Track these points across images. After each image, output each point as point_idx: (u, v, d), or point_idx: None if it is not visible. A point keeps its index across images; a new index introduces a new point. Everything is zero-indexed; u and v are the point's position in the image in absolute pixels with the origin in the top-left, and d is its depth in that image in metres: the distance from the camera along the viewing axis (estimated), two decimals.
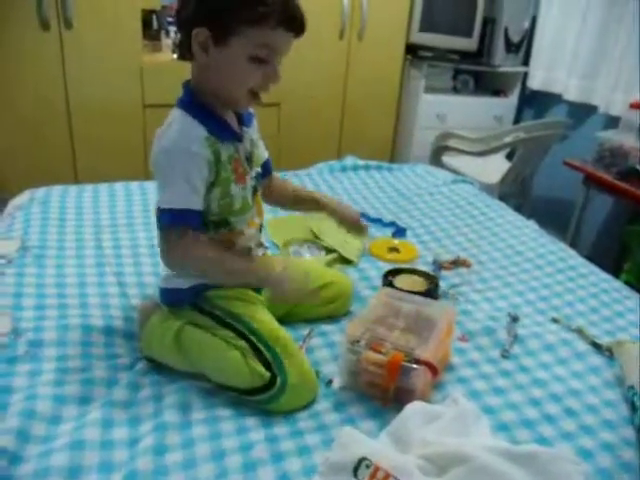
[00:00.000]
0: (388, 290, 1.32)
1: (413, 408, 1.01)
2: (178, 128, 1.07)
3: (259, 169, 1.24)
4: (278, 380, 1.05)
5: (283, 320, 1.28)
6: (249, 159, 1.20)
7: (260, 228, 1.28)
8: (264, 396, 1.05)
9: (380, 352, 1.08)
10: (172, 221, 1.07)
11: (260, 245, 1.28)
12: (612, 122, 2.82)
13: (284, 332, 1.15)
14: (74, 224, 1.68)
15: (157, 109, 2.73)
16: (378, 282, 1.50)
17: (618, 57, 2.81)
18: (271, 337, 1.10)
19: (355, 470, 0.89)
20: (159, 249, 1.11)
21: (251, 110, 1.25)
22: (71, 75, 2.52)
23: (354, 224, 1.40)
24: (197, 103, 1.10)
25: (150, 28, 2.83)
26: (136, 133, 2.74)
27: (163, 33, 2.87)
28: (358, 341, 1.11)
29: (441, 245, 1.79)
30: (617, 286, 1.63)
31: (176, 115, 1.09)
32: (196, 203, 1.07)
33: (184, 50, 1.08)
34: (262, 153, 1.28)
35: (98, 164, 2.67)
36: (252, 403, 1.07)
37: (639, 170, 2.32)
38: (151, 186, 1.95)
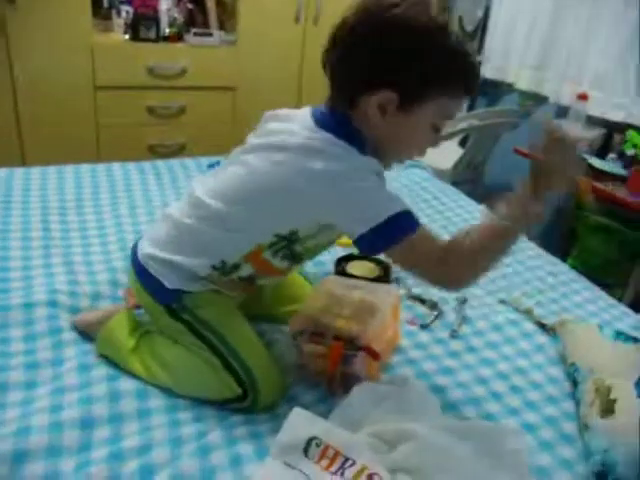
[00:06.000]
0: (333, 278, 1.31)
1: (361, 389, 1.02)
2: (345, 156, 0.91)
3: None
4: (250, 396, 1.01)
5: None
6: None
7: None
8: (235, 406, 1.03)
9: (321, 343, 1.08)
10: (404, 228, 0.92)
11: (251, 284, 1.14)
12: (563, 112, 2.89)
13: (259, 342, 1.10)
14: (20, 207, 1.63)
15: (109, 91, 2.66)
16: (331, 267, 1.51)
17: (567, 48, 2.87)
18: (246, 352, 1.04)
19: (306, 449, 0.90)
20: (415, 275, 0.99)
21: None
22: (16, 54, 2.42)
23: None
24: (358, 140, 0.95)
25: (101, 7, 2.75)
26: (87, 115, 2.65)
27: (114, 12, 2.78)
28: (301, 333, 1.11)
29: None
30: (564, 269, 1.69)
31: (329, 140, 0.92)
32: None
33: (342, 102, 0.96)
34: None
35: (47, 147, 2.59)
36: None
37: (584, 158, 2.40)
38: (102, 168, 1.91)
